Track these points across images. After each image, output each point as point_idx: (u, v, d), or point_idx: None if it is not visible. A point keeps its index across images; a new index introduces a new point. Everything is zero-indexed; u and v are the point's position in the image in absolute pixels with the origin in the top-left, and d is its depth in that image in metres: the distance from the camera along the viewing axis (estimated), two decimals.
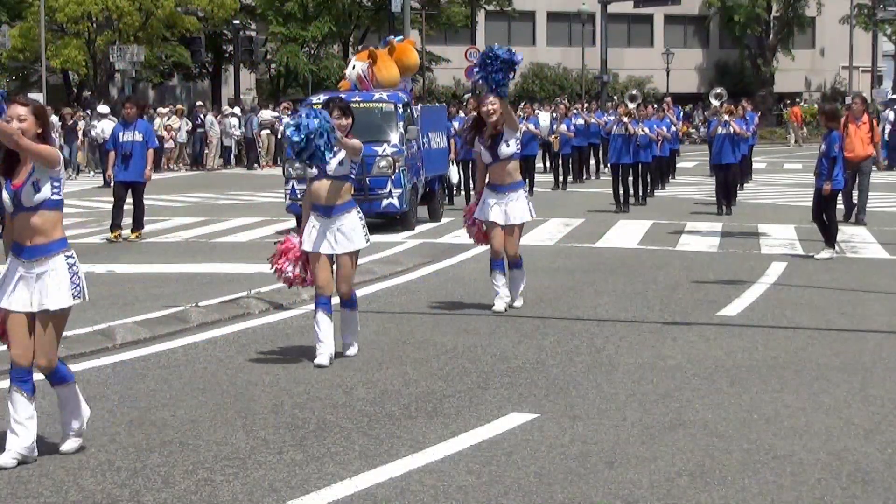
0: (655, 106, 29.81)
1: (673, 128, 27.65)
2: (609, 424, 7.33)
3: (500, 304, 11.31)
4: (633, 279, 13.57)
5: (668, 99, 35.03)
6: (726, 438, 7.00)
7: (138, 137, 18.01)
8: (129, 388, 8.44)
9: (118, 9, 46.78)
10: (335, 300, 9.35)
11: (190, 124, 39.24)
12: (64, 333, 10.00)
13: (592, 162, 32.45)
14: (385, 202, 18.53)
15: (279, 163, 35.21)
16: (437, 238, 17.97)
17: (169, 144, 38.22)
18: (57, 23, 47.30)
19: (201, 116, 39.61)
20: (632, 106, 23.14)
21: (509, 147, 11.02)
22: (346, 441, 7.00)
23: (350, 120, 9.26)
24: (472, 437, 7.07)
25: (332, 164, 8.98)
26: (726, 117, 21.48)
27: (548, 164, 31.12)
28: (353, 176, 9.32)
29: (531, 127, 26.23)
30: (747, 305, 11.81)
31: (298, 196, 17.73)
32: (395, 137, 18.85)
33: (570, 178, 29.50)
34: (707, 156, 24.64)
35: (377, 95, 19.15)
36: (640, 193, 23.74)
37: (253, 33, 51.45)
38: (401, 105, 19.26)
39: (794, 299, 12.19)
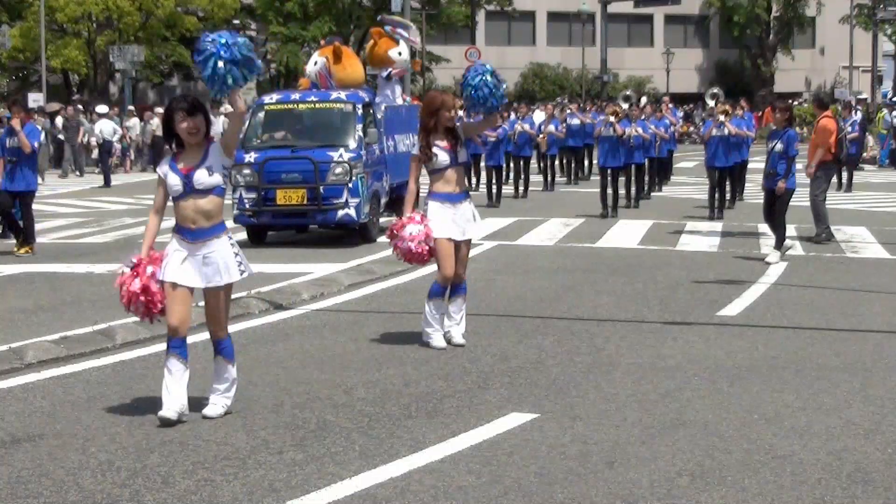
0: (654, 104, 29.49)
1: (671, 128, 27.18)
2: (609, 424, 7.33)
3: (438, 338, 9.73)
4: (633, 279, 13.57)
5: (666, 99, 34.88)
6: (726, 438, 7.00)
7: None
8: (129, 388, 8.44)
9: (118, 9, 46.82)
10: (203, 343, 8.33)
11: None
12: (64, 333, 10.07)
13: (588, 163, 32.31)
14: (341, 213, 16.80)
15: None
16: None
17: None
18: (57, 23, 47.35)
19: None
20: (625, 106, 22.96)
21: (466, 151, 9.97)
22: (346, 441, 7.00)
23: (198, 120, 7.40)
24: (472, 437, 7.06)
25: (200, 176, 7.40)
26: (721, 118, 20.81)
27: (540, 164, 31.00)
28: (224, 186, 7.58)
29: (526, 127, 25.93)
30: (747, 305, 11.81)
31: (247, 206, 16.87)
32: (352, 141, 17.14)
33: (558, 178, 29.12)
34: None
35: (334, 95, 17.76)
36: (633, 196, 23.20)
37: (253, 33, 51.48)
38: (360, 106, 17.54)
39: (794, 299, 12.19)
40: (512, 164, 26.51)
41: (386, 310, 11.74)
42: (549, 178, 28.24)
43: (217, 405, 7.64)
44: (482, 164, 26.71)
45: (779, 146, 14.91)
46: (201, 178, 7.40)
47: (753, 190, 27.27)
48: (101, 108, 35.82)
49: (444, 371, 8.88)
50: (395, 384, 8.47)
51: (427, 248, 9.65)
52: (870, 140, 36.88)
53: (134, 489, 6.15)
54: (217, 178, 7.44)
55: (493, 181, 24.01)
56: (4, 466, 6.54)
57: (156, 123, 36.42)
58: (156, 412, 7.68)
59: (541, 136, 27.73)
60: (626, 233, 18.55)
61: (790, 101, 22.18)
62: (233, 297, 11.94)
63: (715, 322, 10.92)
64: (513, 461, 6.58)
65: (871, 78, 62.81)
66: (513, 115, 26.68)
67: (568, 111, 30.45)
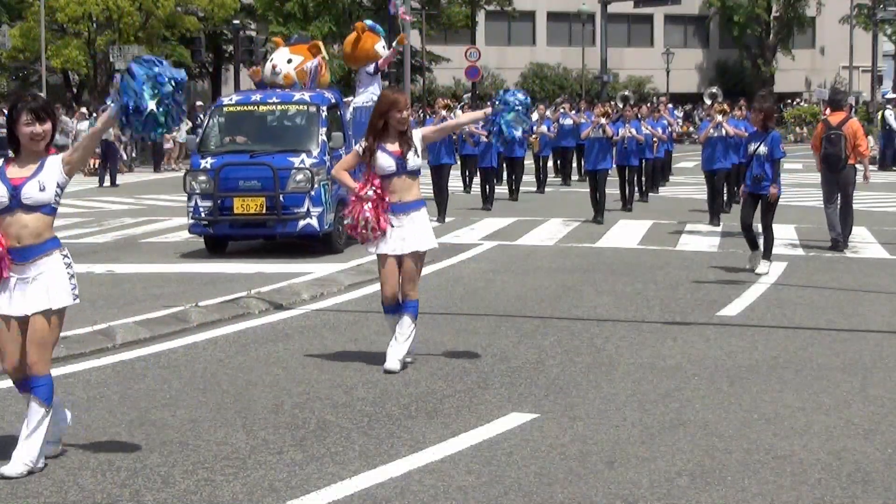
0: (650, 105, 29.13)
1: (669, 129, 26.57)
2: (609, 424, 7.33)
3: (394, 358, 8.92)
4: (633, 279, 13.57)
5: (664, 98, 34.63)
6: (726, 438, 7.00)
7: None
8: (129, 388, 8.44)
9: (118, 9, 46.80)
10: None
11: (190, 124, 39.25)
12: (64, 333, 10.04)
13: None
14: (302, 223, 15.60)
15: None
16: (437, 238, 17.92)
17: (168, 145, 38.27)
18: (57, 23, 47.34)
19: (201, 116, 39.62)
20: (621, 105, 22.72)
21: (419, 157, 9.06)
22: (346, 441, 7.00)
23: (46, 126, 6.52)
24: (472, 437, 7.07)
25: (30, 189, 6.51)
26: (719, 118, 19.75)
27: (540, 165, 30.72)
28: (56, 205, 6.69)
29: None
30: (747, 305, 11.81)
31: (203, 215, 15.76)
32: (315, 146, 15.90)
33: (552, 178, 28.56)
34: None
35: (297, 96, 16.39)
36: (627, 198, 22.64)
37: (253, 33, 51.44)
38: (325, 108, 16.29)
39: (794, 299, 12.19)
40: (504, 165, 26.23)
41: None
42: (541, 180, 27.61)
43: (18, 463, 6.38)
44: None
45: (762, 149, 13.96)
46: (30, 192, 6.46)
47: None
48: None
49: (444, 371, 8.88)
50: (395, 384, 8.47)
51: (367, 229, 8.91)
52: (870, 140, 36.89)
53: (134, 489, 6.15)
54: (48, 196, 6.51)
55: (487, 183, 23.46)
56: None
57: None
58: (156, 412, 7.69)
59: (533, 136, 27.23)
60: (626, 233, 18.55)
61: (742, 101, 21.42)
62: (233, 296, 12.05)
63: (715, 322, 10.92)
64: (513, 461, 6.58)
65: (871, 78, 62.79)
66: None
67: (561, 111, 29.92)
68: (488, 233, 18.62)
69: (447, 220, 20.58)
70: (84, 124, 33.92)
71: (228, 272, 14.24)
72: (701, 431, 7.16)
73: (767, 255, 14.04)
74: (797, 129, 57.54)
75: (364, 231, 8.91)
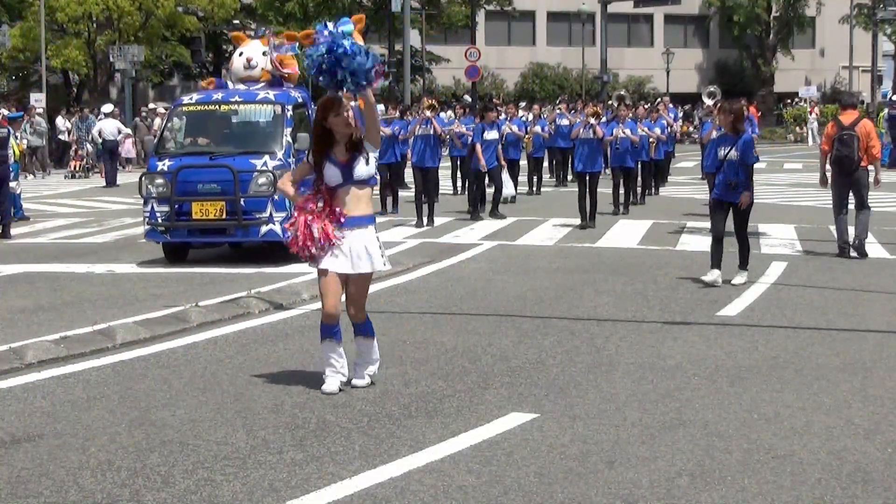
0: (647, 106, 28.62)
1: (668, 129, 25.80)
2: (609, 424, 7.33)
3: (332, 382, 8.22)
4: (633, 279, 13.57)
5: (665, 98, 34.39)
6: (726, 438, 7.00)
7: None
8: (129, 388, 8.44)
9: (118, 9, 46.83)
10: None
11: None
12: (64, 333, 10.07)
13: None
14: (264, 228, 14.70)
15: None
16: (437, 238, 17.96)
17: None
18: (57, 23, 47.38)
19: None
20: (616, 105, 22.31)
21: (369, 166, 8.16)
22: (346, 441, 7.00)
23: None
24: (472, 437, 7.06)
25: None
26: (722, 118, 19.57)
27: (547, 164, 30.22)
28: None
29: (514, 129, 24.95)
30: (747, 305, 11.81)
31: (159, 220, 14.87)
32: (279, 148, 14.96)
33: (547, 179, 27.90)
34: None
35: (261, 95, 15.33)
36: (623, 201, 21.99)
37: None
38: (290, 107, 15.28)
39: (794, 299, 12.19)
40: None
41: (386, 310, 11.74)
42: (535, 181, 27.00)
43: None
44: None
45: (733, 153, 12.94)
46: None
47: (755, 189, 27.21)
48: (107, 108, 35.78)
49: (444, 371, 8.88)
50: (395, 384, 8.47)
51: (309, 243, 8.07)
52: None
53: (134, 489, 6.15)
54: None
55: (475, 187, 21.69)
56: (4, 466, 6.54)
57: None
58: (156, 412, 7.68)
59: (527, 136, 26.69)
60: (626, 233, 18.55)
61: (742, 100, 20.78)
62: (233, 296, 12.06)
63: (715, 322, 10.92)
64: (513, 461, 6.58)
65: (871, 78, 62.83)
66: (502, 116, 25.65)
67: (557, 111, 29.25)
68: (488, 233, 18.63)
69: (446, 219, 20.56)
70: (108, 122, 33.66)
71: (228, 272, 14.24)
72: (701, 431, 7.16)
73: (744, 264, 13.23)
74: (797, 129, 57.56)
75: (308, 248, 8.05)
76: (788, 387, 8.32)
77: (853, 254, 15.46)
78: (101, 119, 35.15)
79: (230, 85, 15.93)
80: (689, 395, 8.10)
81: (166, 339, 10.22)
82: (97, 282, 13.68)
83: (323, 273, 8.15)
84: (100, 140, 33.07)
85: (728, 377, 8.61)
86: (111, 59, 45.41)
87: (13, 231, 19.19)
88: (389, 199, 22.53)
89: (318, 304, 12.05)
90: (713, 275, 12.98)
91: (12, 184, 20.01)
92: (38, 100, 40.03)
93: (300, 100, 15.62)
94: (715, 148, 13.35)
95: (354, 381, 8.37)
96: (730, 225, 13.30)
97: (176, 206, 14.77)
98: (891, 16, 58.16)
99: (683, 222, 19.98)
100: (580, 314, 11.37)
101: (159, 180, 14.87)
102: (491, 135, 21.12)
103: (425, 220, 19.63)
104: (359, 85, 7.91)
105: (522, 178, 27.23)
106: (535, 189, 26.92)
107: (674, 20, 71.28)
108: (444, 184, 25.63)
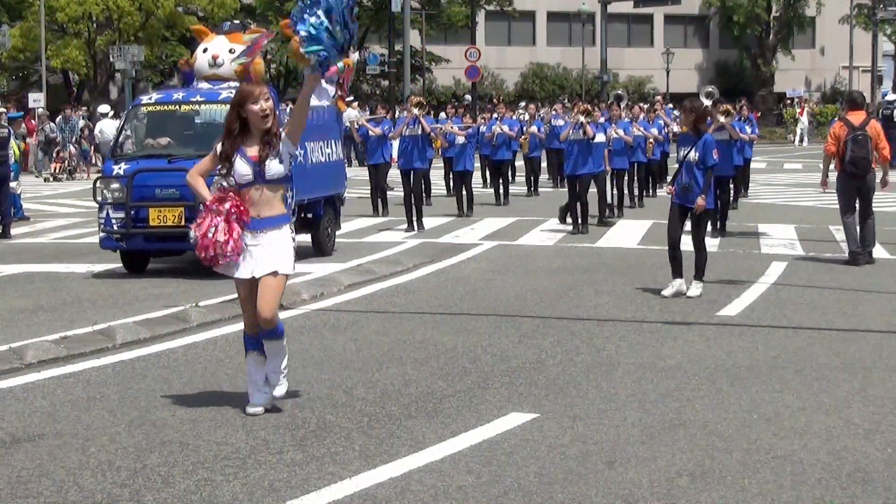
0: (644, 106, 28.29)
1: (665, 129, 25.03)
2: (609, 424, 7.33)
3: (258, 401, 7.69)
4: (633, 279, 13.57)
5: (660, 98, 34.13)
6: (726, 438, 7.00)
7: None
8: (129, 388, 8.44)
9: (118, 9, 46.84)
10: None
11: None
12: (64, 333, 10.07)
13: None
14: None
15: None
16: (437, 238, 17.96)
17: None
18: (57, 23, 47.40)
19: None
20: (621, 105, 22.10)
21: (283, 163, 7.53)
22: (346, 441, 7.00)
23: None
24: (472, 437, 7.06)
25: None
26: (722, 119, 17.84)
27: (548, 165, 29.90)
28: None
29: (505, 129, 24.56)
30: (747, 305, 11.81)
31: (115, 227, 14.17)
32: None
33: (542, 180, 27.57)
34: None
35: (224, 94, 14.23)
36: (616, 204, 21.51)
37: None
38: None
39: (794, 299, 12.19)
40: (489, 169, 25.21)
41: (386, 310, 11.74)
42: (531, 183, 26.66)
43: None
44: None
45: (693, 154, 12.21)
46: None
47: (755, 189, 27.27)
48: (103, 108, 35.78)
49: (444, 371, 8.88)
50: (395, 384, 8.47)
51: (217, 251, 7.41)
52: None
53: (134, 489, 6.15)
54: None
55: (463, 189, 21.59)
56: (4, 466, 6.54)
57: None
58: (156, 412, 7.68)
59: (522, 137, 26.27)
60: (626, 233, 18.55)
61: (743, 101, 20.18)
62: (233, 296, 12.01)
63: (715, 322, 10.92)
64: (513, 461, 6.58)
65: (871, 78, 62.82)
66: (494, 115, 25.44)
67: (553, 112, 29.02)
68: (488, 233, 18.63)
69: (445, 219, 20.56)
70: (108, 123, 33.52)
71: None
72: (701, 431, 7.16)
73: (699, 274, 12.38)
74: (796, 129, 57.50)
75: (214, 252, 7.39)
76: (788, 387, 8.31)
77: (862, 261, 14.80)
78: (100, 119, 35.17)
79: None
80: (689, 395, 8.10)
81: (166, 339, 10.22)
82: (97, 282, 13.68)
83: (239, 283, 7.59)
84: (100, 140, 33.11)
85: (728, 377, 8.61)
86: (111, 59, 45.43)
87: (13, 231, 19.19)
88: (380, 202, 22.02)
89: (319, 305, 12.13)
90: (674, 286, 12.27)
91: (12, 184, 20.02)
92: (36, 100, 39.99)
93: None
94: (678, 147, 12.65)
95: (275, 391, 7.72)
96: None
97: (132, 213, 14.07)
98: (891, 16, 58.18)
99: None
100: (580, 314, 11.37)
101: (115, 185, 14.18)
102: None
103: (416, 224, 18.98)
104: (332, 56, 7.44)
105: (520, 178, 27.23)
106: (533, 190, 26.74)
107: (674, 20, 71.25)
108: (438, 184, 25.57)
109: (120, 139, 15.05)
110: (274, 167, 7.47)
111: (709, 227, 15.94)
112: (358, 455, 6.71)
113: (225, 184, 7.52)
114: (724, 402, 7.89)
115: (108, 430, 7.27)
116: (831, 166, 15.38)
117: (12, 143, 20.38)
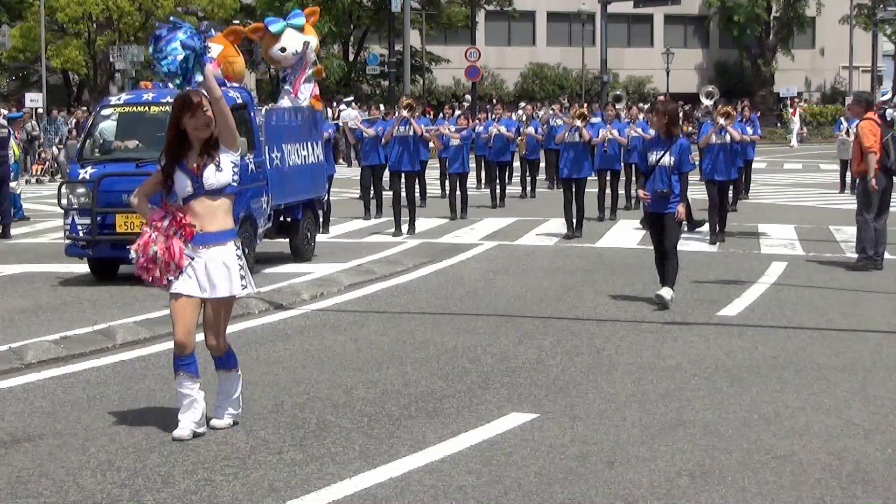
0: (643, 107, 28.04)
1: None
2: (609, 424, 7.33)
3: (185, 424, 7.06)
4: (633, 279, 13.57)
5: (661, 98, 34.03)
6: (726, 438, 7.00)
7: None
8: (129, 388, 8.44)
9: (118, 9, 46.86)
10: None
11: None
12: (64, 333, 10.06)
13: None
14: None
15: None
16: (437, 238, 17.96)
17: None
18: (57, 23, 47.42)
19: None
20: (619, 106, 21.95)
21: (222, 172, 7.11)
22: (346, 441, 7.00)
23: None
24: (472, 437, 7.06)
25: None
26: (722, 121, 17.61)
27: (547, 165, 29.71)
28: None
29: (502, 129, 24.22)
30: (747, 305, 11.81)
31: (81, 233, 13.54)
32: None
33: (540, 180, 27.09)
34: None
35: None
36: (610, 206, 21.04)
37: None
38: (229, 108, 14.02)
39: (794, 299, 12.19)
40: (484, 170, 24.94)
41: (386, 310, 11.75)
42: (528, 184, 26.31)
43: None
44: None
45: (667, 159, 11.68)
46: None
47: (755, 189, 27.25)
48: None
49: (444, 371, 8.88)
50: (395, 384, 8.47)
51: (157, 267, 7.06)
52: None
53: (134, 489, 6.15)
54: None
55: (458, 190, 21.14)
56: (4, 466, 6.54)
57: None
58: (156, 412, 7.68)
59: (520, 138, 25.83)
60: (626, 233, 18.55)
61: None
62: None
63: (715, 322, 10.92)
64: (513, 461, 6.58)
65: (871, 78, 62.84)
66: (489, 117, 25.13)
67: (551, 112, 28.63)
68: (488, 233, 18.63)
69: (444, 220, 20.54)
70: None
71: None
72: (701, 431, 7.16)
73: (671, 282, 11.77)
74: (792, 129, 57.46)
75: (154, 269, 7.04)
76: (788, 387, 8.31)
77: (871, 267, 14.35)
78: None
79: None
80: (689, 395, 8.10)
81: (166, 339, 10.18)
82: (97, 282, 13.67)
83: (174, 297, 7.08)
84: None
85: (728, 377, 8.61)
86: (111, 59, 45.44)
87: (13, 231, 19.19)
88: (373, 204, 21.53)
89: (319, 305, 12.13)
90: (665, 293, 11.71)
91: (12, 184, 20.01)
92: (33, 100, 39.95)
93: (240, 100, 13.86)
94: (645, 152, 12.14)
95: (214, 422, 7.26)
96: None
97: (98, 219, 13.43)
98: (891, 16, 58.20)
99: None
100: (580, 314, 11.37)
101: (80, 190, 13.56)
102: (455, 137, 19.78)
103: (405, 227, 18.37)
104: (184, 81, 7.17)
105: (517, 179, 27.06)
106: (530, 191, 26.45)
107: (674, 20, 71.23)
108: (433, 185, 25.47)
109: (86, 142, 14.38)
110: (211, 176, 7.06)
111: (706, 229, 16.02)
112: (358, 455, 6.71)
113: (171, 200, 7.16)
114: (724, 402, 7.89)
115: (108, 430, 7.27)
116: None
117: (12, 143, 20.37)
